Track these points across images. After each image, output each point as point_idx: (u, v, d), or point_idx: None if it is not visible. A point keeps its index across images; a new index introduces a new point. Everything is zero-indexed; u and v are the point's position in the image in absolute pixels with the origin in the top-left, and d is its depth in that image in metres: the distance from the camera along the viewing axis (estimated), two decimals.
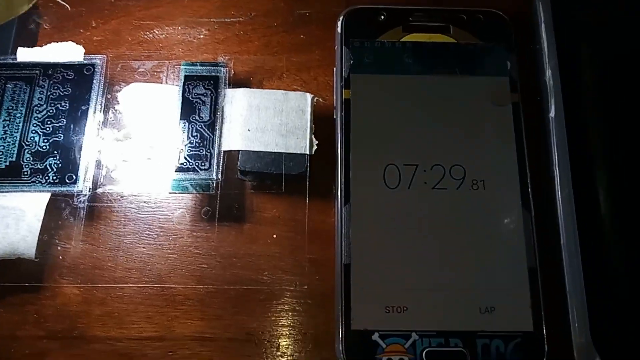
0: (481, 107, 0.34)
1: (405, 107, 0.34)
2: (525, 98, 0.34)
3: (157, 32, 0.37)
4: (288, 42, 0.37)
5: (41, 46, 0.34)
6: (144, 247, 0.32)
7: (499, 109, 0.34)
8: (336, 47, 0.35)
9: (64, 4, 0.37)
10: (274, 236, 0.32)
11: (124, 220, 0.32)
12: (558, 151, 0.33)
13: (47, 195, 0.31)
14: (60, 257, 0.32)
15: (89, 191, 0.32)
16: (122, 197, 0.33)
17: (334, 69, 0.35)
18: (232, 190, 0.33)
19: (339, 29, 0.35)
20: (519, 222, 0.32)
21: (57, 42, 0.34)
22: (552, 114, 0.33)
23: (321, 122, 0.34)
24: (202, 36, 0.37)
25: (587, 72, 0.33)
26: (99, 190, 0.32)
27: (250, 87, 0.35)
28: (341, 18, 0.35)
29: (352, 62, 0.34)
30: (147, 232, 0.32)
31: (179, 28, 0.37)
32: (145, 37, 0.37)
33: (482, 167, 0.32)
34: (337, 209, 0.32)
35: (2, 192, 0.30)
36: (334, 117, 0.34)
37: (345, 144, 0.33)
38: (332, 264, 0.31)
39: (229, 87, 0.33)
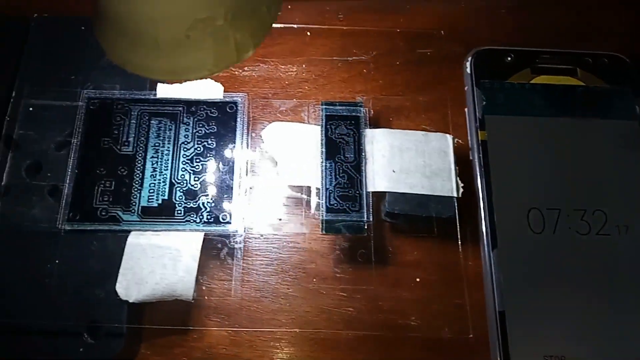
0: (613, 150, 0.34)
1: (539, 149, 0.34)
2: None
3: (282, 69, 0.36)
4: (412, 81, 0.37)
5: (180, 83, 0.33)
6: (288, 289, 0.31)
7: (633, 152, 0.34)
8: (466, 87, 0.35)
9: None
10: (417, 280, 0.32)
11: (268, 260, 0.32)
12: None
13: (201, 235, 0.30)
14: (206, 297, 0.31)
15: (245, 231, 0.31)
16: (268, 236, 0.32)
17: (466, 109, 0.35)
18: (379, 232, 0.32)
19: (468, 69, 0.35)
20: None
21: None
22: None
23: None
24: (325, 75, 0.36)
25: None
26: (250, 230, 0.32)
27: (380, 127, 0.34)
28: (470, 58, 0.36)
29: (484, 103, 0.34)
30: (291, 272, 0.32)
31: (303, 66, 0.37)
32: (269, 74, 0.36)
33: (624, 212, 0.32)
34: (484, 253, 0.32)
35: (156, 230, 0.29)
36: (471, 158, 0.33)
37: (486, 186, 0.33)
38: (480, 310, 0.31)
39: (368, 127, 0.33)
